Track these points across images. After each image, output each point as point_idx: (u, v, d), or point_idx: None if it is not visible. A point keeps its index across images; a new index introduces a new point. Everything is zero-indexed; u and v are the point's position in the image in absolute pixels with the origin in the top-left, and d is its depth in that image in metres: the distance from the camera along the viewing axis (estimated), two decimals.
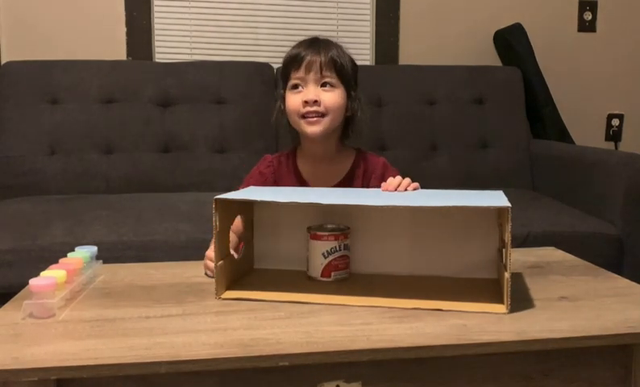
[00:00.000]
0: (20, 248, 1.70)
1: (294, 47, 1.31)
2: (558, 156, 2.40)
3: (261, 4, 2.68)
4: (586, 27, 2.89)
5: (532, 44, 2.70)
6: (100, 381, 0.76)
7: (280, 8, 2.69)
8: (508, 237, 0.89)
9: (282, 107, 1.33)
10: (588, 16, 2.88)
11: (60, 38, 2.52)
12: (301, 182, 1.33)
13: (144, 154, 2.33)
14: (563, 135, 2.70)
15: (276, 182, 1.34)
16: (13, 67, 2.34)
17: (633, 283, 1.07)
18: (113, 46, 2.55)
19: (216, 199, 1.00)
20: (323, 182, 1.31)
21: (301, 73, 1.27)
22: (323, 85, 1.27)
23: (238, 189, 1.36)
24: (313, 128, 1.27)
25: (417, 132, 2.51)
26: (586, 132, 2.82)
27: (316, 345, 0.79)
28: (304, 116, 1.27)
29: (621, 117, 2.94)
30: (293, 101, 1.28)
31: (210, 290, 1.02)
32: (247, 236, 1.14)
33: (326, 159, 1.34)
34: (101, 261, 1.14)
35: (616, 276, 1.12)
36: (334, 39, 1.36)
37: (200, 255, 1.24)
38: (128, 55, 2.57)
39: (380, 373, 0.82)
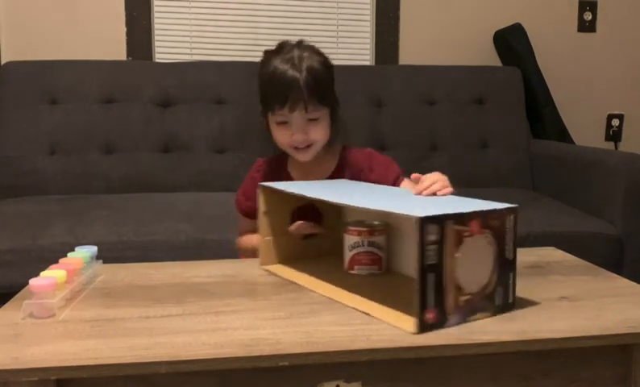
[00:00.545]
0: (20, 248, 1.70)
1: (272, 69, 1.23)
2: (558, 156, 2.40)
3: (261, 4, 2.68)
4: (586, 27, 2.89)
5: (532, 44, 2.70)
6: (100, 381, 0.75)
7: (279, 8, 2.69)
8: (416, 249, 0.82)
9: (264, 123, 1.32)
10: (588, 16, 2.88)
11: (60, 38, 2.52)
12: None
13: (144, 154, 2.33)
14: (563, 135, 2.70)
15: None
16: (13, 67, 2.34)
17: (633, 283, 1.07)
18: (113, 46, 2.55)
19: (261, 185, 1.14)
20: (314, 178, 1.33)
21: (285, 111, 1.23)
22: (310, 118, 1.25)
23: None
24: (303, 156, 1.29)
25: (417, 132, 2.51)
26: (586, 132, 2.82)
27: (316, 345, 0.79)
28: (293, 147, 1.28)
29: (621, 117, 2.94)
30: (281, 135, 1.27)
31: (210, 290, 1.02)
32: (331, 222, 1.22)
33: (314, 161, 1.34)
34: (101, 261, 1.14)
35: (616, 276, 1.12)
36: (306, 40, 1.30)
37: (200, 255, 1.24)
38: (128, 55, 2.58)
39: (380, 373, 0.82)
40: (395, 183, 1.33)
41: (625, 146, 2.92)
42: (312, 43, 1.30)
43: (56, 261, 1.02)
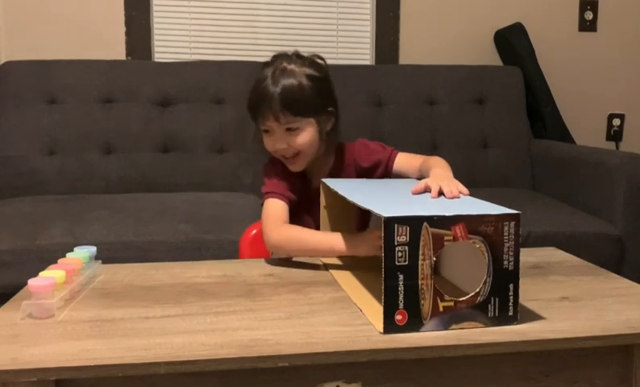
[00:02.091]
0: (20, 248, 1.70)
1: (257, 78, 1.27)
2: (558, 156, 2.40)
3: (261, 4, 2.68)
4: (587, 26, 2.88)
5: (533, 44, 2.70)
6: (99, 382, 0.75)
7: (279, 8, 2.69)
8: (382, 248, 0.82)
9: (258, 130, 1.32)
10: (588, 16, 2.87)
11: (60, 38, 2.52)
12: (302, 175, 1.34)
13: (143, 154, 2.33)
14: (564, 134, 2.70)
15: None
16: (13, 67, 2.34)
17: (634, 283, 1.07)
18: (112, 46, 2.55)
19: (322, 181, 1.20)
20: (319, 174, 1.33)
21: (264, 121, 1.26)
22: (289, 128, 1.25)
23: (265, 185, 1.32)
24: (293, 166, 1.30)
25: (417, 132, 2.51)
26: (587, 132, 2.82)
27: (316, 346, 0.79)
28: (281, 156, 1.29)
29: (622, 117, 2.94)
30: (267, 143, 1.29)
31: (210, 291, 1.02)
32: None
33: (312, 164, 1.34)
34: (100, 261, 1.14)
35: (616, 276, 1.12)
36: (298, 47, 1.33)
37: (199, 256, 1.24)
38: (127, 54, 2.57)
39: (381, 374, 0.81)
40: (390, 161, 1.35)
41: (626, 146, 2.91)
42: (312, 53, 1.32)
43: (55, 261, 1.02)
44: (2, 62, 2.40)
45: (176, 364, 0.75)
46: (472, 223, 0.84)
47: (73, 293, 0.98)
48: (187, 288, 1.05)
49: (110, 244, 1.72)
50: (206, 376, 0.77)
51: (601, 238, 1.92)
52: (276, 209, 1.24)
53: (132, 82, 2.37)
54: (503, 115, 2.58)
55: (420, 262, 0.82)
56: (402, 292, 0.82)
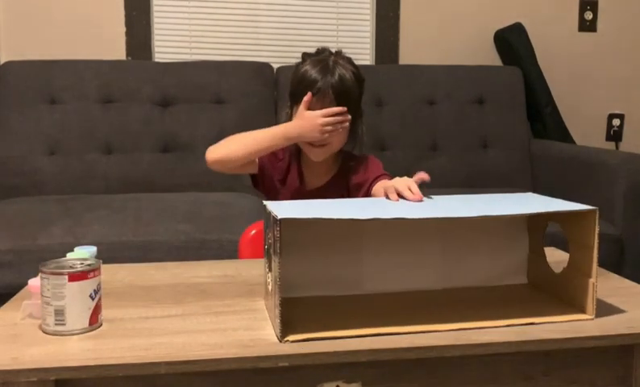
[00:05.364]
0: (20, 248, 1.70)
1: (305, 69, 1.33)
2: (558, 156, 2.40)
3: (261, 4, 2.68)
4: (587, 26, 2.88)
5: (532, 44, 2.70)
6: (99, 382, 0.75)
7: (280, 8, 2.69)
8: (594, 240, 0.91)
9: (289, 115, 1.38)
10: (588, 16, 2.87)
11: (60, 38, 2.52)
12: (300, 173, 1.39)
13: (144, 154, 2.33)
14: (564, 135, 2.70)
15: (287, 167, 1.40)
16: (13, 67, 2.34)
17: (634, 283, 1.07)
18: (112, 46, 2.55)
19: (282, 220, 0.79)
20: (317, 178, 1.38)
21: (313, 101, 1.30)
22: None
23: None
24: (316, 155, 1.34)
25: (417, 132, 2.51)
26: (587, 132, 2.82)
27: (316, 345, 0.79)
28: (309, 142, 1.33)
29: (621, 117, 2.94)
30: None
31: (210, 291, 1.02)
32: None
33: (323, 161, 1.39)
34: (100, 261, 1.14)
35: (616, 276, 1.12)
36: (340, 48, 1.42)
37: (200, 255, 1.24)
38: (127, 54, 2.57)
39: (380, 374, 0.81)
40: (375, 181, 1.32)
41: (625, 146, 2.91)
42: (349, 56, 1.40)
43: None
44: (2, 62, 2.40)
45: (176, 364, 0.75)
46: None
47: None
48: (187, 288, 1.05)
49: (110, 244, 1.72)
50: (206, 376, 0.78)
51: (601, 238, 1.91)
52: None
53: (132, 82, 2.37)
54: (503, 115, 2.58)
55: None
56: None
